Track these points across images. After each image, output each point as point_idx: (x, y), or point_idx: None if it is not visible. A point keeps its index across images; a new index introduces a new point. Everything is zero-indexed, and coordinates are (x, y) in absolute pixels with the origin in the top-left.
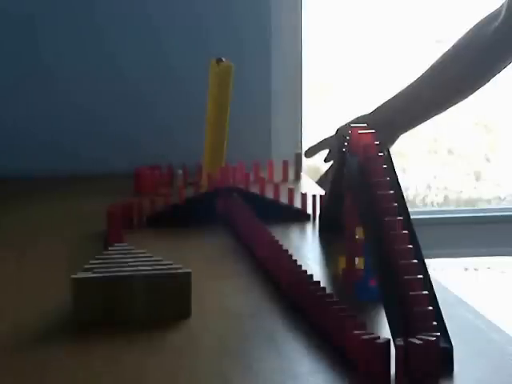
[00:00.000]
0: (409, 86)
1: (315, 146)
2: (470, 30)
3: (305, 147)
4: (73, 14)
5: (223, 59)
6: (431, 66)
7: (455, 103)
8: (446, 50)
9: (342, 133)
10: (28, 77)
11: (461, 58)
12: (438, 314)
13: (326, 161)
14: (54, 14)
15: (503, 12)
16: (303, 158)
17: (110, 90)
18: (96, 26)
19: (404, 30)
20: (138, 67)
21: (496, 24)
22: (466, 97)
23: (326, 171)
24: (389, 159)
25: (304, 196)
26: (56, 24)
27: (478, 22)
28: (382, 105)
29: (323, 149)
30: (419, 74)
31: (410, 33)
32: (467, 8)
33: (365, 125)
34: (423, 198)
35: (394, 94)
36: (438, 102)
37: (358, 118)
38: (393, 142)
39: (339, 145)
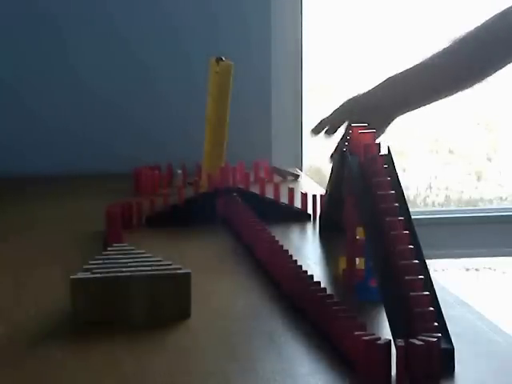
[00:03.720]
0: (422, 64)
1: (318, 125)
2: (495, 15)
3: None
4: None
5: (223, 58)
6: (456, 41)
7: (474, 83)
8: (468, 30)
9: (336, 114)
10: (26, 76)
11: (489, 31)
12: (438, 315)
13: (327, 133)
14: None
15: None
16: (310, 136)
17: (111, 90)
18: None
19: (404, 29)
20: (140, 67)
21: None
22: (485, 76)
23: (336, 147)
24: (390, 159)
25: (304, 196)
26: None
27: (502, 10)
28: (387, 81)
29: (326, 126)
30: (436, 52)
31: (409, 33)
32: (468, 8)
33: (365, 124)
34: (424, 198)
35: (405, 69)
36: (460, 77)
37: (349, 101)
38: (388, 123)
39: (339, 121)
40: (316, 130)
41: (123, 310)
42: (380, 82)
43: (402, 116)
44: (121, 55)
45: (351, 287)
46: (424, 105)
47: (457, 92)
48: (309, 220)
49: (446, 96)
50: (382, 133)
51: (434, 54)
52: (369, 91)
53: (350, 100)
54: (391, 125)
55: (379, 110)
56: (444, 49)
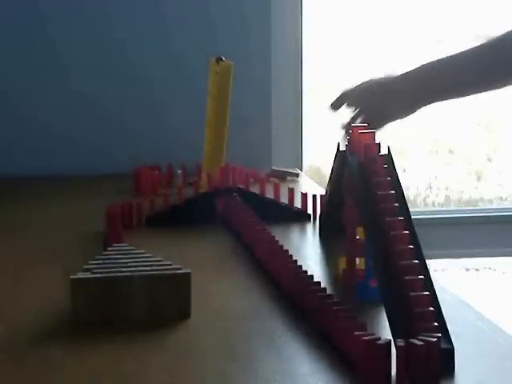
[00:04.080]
0: (455, 58)
1: (338, 99)
2: None
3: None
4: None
5: (223, 58)
6: (486, 43)
7: (502, 86)
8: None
9: (357, 92)
10: (21, 79)
11: None
12: (438, 315)
13: (348, 105)
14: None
15: None
16: (330, 111)
17: (112, 91)
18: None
19: (404, 29)
20: (139, 68)
21: None
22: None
23: (349, 122)
24: (390, 159)
25: (304, 196)
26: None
27: None
28: (421, 68)
29: (345, 101)
30: (473, 46)
31: (410, 32)
32: (467, 7)
33: (365, 125)
34: (424, 198)
35: (441, 58)
36: (490, 79)
37: (373, 82)
38: (410, 111)
39: (360, 100)
40: (335, 105)
41: (123, 310)
42: (411, 68)
43: (427, 106)
44: (119, 56)
45: (351, 287)
46: (454, 98)
47: (488, 90)
48: (309, 220)
49: (476, 92)
50: (400, 119)
51: (470, 48)
52: (396, 76)
53: (373, 81)
54: (414, 113)
55: (404, 96)
56: (481, 44)
